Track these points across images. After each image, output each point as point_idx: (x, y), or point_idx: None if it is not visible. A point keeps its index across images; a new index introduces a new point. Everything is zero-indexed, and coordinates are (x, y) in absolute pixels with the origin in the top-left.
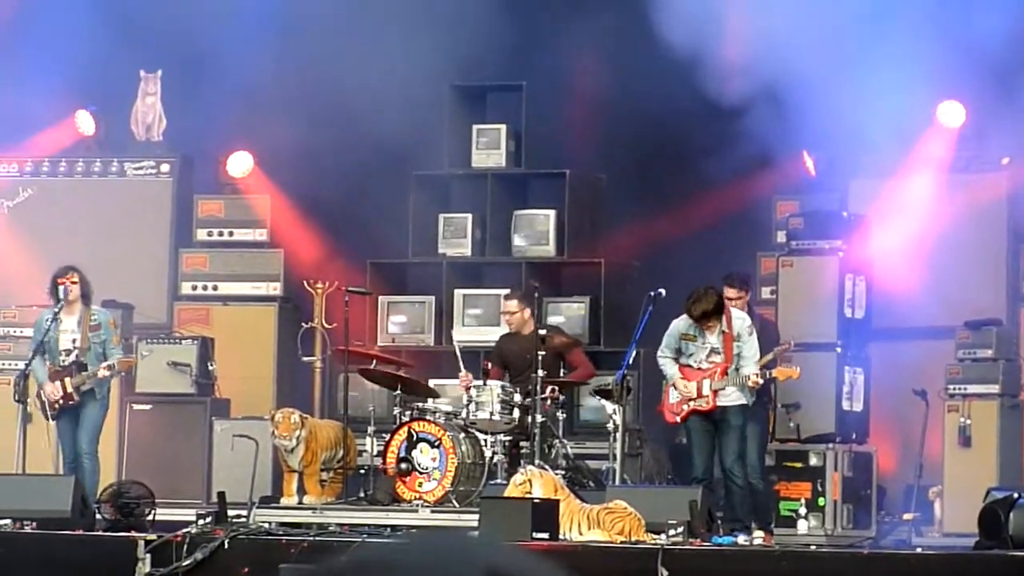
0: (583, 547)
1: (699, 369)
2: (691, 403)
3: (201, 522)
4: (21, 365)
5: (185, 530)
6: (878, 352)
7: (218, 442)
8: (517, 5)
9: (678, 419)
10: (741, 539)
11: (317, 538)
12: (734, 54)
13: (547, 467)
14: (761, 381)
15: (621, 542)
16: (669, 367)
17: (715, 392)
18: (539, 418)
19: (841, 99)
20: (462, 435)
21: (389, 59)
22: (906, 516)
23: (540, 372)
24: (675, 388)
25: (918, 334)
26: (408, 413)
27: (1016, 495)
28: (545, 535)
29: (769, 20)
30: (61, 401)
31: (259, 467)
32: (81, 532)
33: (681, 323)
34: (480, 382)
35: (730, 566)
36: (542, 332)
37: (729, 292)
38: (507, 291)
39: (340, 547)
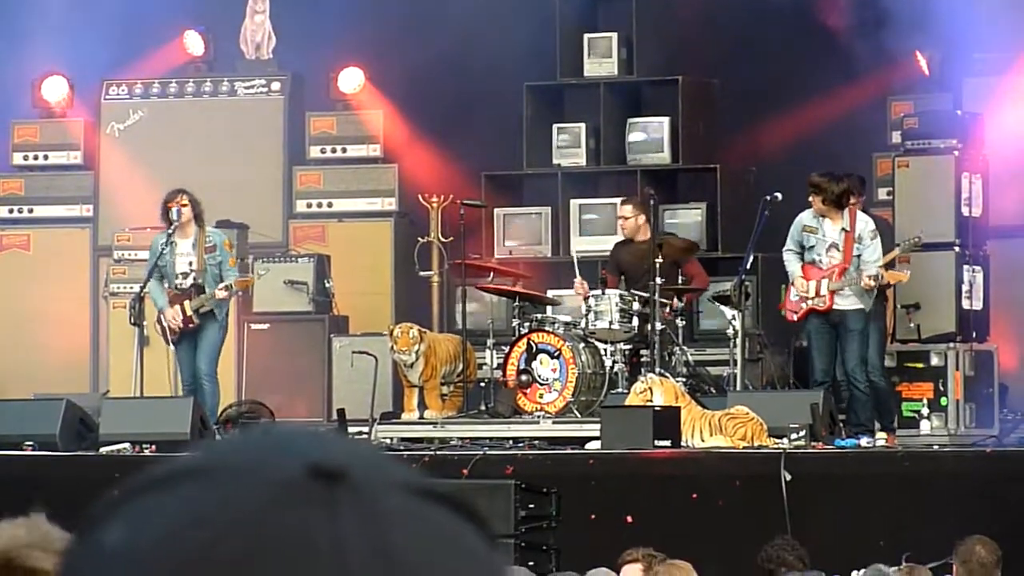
0: (706, 453)
1: (819, 268)
2: (809, 302)
3: None
4: (136, 288)
5: None
6: (996, 250)
7: (337, 359)
8: None
9: (795, 317)
10: (864, 441)
11: (439, 452)
12: None
13: (668, 374)
14: (873, 284)
15: (743, 447)
16: (792, 264)
17: (832, 292)
18: (659, 326)
19: None
20: (582, 345)
21: None
22: None
23: (658, 280)
24: (794, 287)
25: None
26: (527, 325)
27: None
28: (667, 442)
29: None
30: (182, 326)
31: (379, 383)
32: None
33: (804, 215)
34: (598, 291)
35: (853, 468)
36: (658, 239)
37: None
38: (623, 199)
39: (460, 460)
